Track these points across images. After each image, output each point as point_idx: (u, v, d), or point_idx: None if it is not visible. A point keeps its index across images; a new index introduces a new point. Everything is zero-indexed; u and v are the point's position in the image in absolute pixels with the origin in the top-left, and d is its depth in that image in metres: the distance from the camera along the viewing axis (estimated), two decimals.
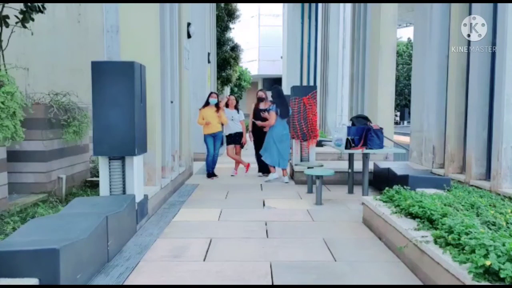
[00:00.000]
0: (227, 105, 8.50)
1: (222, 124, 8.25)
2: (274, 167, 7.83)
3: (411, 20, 25.10)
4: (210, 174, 8.28)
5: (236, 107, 8.55)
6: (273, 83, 30.48)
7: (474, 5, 5.88)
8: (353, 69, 12.02)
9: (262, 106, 8.39)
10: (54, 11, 8.07)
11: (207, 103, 8.15)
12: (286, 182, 7.69)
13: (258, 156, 8.24)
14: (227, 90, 23.56)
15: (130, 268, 3.43)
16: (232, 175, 8.56)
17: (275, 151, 7.55)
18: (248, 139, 8.61)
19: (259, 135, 8.25)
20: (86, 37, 8.20)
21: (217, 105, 8.14)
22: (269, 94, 8.53)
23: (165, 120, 6.17)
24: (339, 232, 4.49)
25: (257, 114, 8.34)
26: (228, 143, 8.54)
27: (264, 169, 8.36)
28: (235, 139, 8.42)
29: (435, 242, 3.05)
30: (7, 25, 5.17)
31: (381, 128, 6.09)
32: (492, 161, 5.41)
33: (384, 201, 4.44)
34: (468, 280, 2.44)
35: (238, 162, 8.67)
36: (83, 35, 8.20)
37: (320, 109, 15.43)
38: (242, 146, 8.63)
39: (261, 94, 8.63)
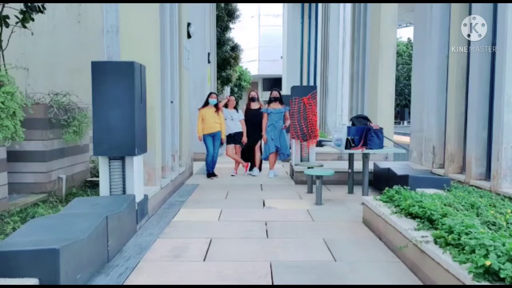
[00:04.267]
0: (226, 106, 8.50)
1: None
2: (272, 163, 8.42)
3: (411, 20, 25.13)
4: (210, 174, 8.28)
5: (235, 107, 8.60)
6: (273, 83, 30.53)
7: (474, 5, 5.88)
8: (353, 69, 12.02)
9: (253, 106, 8.66)
10: (54, 11, 8.08)
11: (206, 103, 8.16)
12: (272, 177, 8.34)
13: (246, 153, 8.71)
14: (227, 90, 23.58)
15: (130, 268, 3.43)
16: (232, 175, 8.56)
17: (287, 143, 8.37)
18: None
19: (252, 135, 8.41)
20: (86, 37, 8.20)
21: (216, 106, 8.14)
22: (266, 94, 8.62)
23: (165, 120, 6.17)
24: (339, 232, 4.49)
25: (249, 114, 8.55)
26: (228, 143, 8.54)
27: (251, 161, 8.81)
28: (235, 138, 8.43)
29: (435, 242, 3.05)
30: (7, 25, 5.17)
31: (381, 128, 6.09)
32: (492, 161, 5.41)
33: (384, 201, 4.44)
34: (468, 280, 2.44)
35: (238, 162, 8.68)
36: (83, 35, 8.21)
37: (320, 109, 15.43)
38: (242, 146, 8.63)
39: (253, 94, 8.83)
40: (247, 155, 8.73)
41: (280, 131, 8.17)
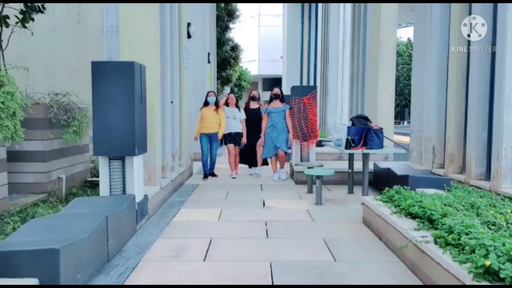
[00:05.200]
0: (227, 104, 8.31)
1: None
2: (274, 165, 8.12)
3: (411, 20, 25.14)
4: (206, 174, 8.12)
5: (237, 105, 8.38)
6: (273, 83, 30.53)
7: (474, 5, 5.88)
8: (353, 69, 12.03)
9: (252, 105, 8.48)
10: (54, 11, 8.08)
11: (206, 103, 8.02)
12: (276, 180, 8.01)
13: (247, 153, 8.54)
14: (227, 90, 23.61)
15: (130, 268, 3.43)
16: (233, 177, 8.32)
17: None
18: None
19: (250, 136, 8.24)
20: (86, 37, 8.20)
21: (216, 104, 7.96)
22: (266, 93, 8.55)
23: (165, 120, 6.17)
24: (339, 232, 4.49)
25: (247, 113, 8.36)
26: (227, 142, 8.30)
27: (252, 163, 8.67)
28: (235, 139, 8.24)
29: (435, 242, 3.05)
30: (7, 25, 5.17)
31: (381, 128, 6.09)
32: (492, 161, 5.41)
33: (384, 201, 4.44)
34: (468, 280, 2.44)
35: (236, 163, 8.45)
36: (83, 35, 8.21)
37: (320, 109, 15.43)
38: (241, 147, 8.41)
39: (254, 93, 8.63)
40: (248, 156, 8.61)
41: (281, 131, 7.77)
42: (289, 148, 7.93)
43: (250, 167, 8.79)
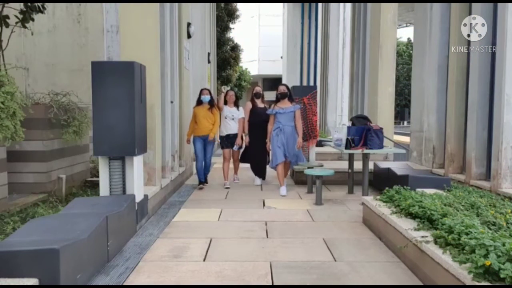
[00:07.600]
0: (225, 102, 7.39)
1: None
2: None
3: (411, 20, 25.16)
4: (202, 182, 7.22)
5: (236, 104, 7.44)
6: (273, 83, 30.52)
7: (474, 5, 5.88)
8: (353, 69, 12.02)
9: (260, 104, 7.49)
10: (54, 11, 8.09)
11: (199, 102, 7.12)
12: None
13: (254, 162, 7.58)
14: (225, 88, 23.61)
15: (130, 268, 3.43)
16: (236, 182, 7.85)
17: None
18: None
19: (256, 137, 7.26)
20: (86, 37, 8.21)
21: (210, 103, 7.02)
22: (266, 93, 8.18)
23: (165, 120, 6.18)
24: (339, 232, 4.49)
25: (255, 113, 7.35)
26: (224, 146, 7.42)
27: (259, 173, 7.66)
28: (233, 141, 7.33)
29: (435, 242, 3.05)
30: (7, 25, 5.18)
31: (381, 128, 6.10)
32: (492, 161, 5.42)
33: (384, 201, 4.44)
34: (468, 280, 2.44)
35: (236, 168, 7.85)
36: (83, 35, 8.22)
37: (320, 109, 15.43)
38: (240, 147, 7.57)
39: (258, 89, 7.57)
40: (255, 166, 7.65)
41: (289, 136, 6.61)
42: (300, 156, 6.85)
43: (256, 174, 7.69)
